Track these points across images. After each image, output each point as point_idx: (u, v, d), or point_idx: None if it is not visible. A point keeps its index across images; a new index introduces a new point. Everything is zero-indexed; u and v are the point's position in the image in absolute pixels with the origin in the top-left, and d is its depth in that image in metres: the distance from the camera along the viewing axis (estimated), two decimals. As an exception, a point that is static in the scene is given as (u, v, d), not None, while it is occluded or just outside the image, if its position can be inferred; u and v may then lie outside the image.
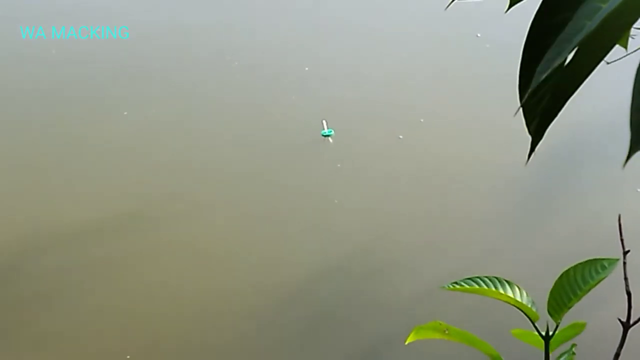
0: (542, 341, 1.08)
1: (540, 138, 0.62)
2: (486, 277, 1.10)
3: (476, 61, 3.19)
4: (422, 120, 2.99)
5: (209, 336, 2.23)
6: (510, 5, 0.87)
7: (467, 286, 1.08)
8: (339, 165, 2.80)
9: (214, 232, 2.59)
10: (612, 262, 0.97)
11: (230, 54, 3.86)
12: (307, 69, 3.52)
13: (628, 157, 0.52)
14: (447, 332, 1.12)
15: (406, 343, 1.10)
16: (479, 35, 3.43)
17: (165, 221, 2.69)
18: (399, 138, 2.78)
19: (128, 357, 2.18)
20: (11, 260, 2.48)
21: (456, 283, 1.07)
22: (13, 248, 2.49)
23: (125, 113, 3.54)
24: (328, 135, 2.65)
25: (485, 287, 1.11)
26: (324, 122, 2.69)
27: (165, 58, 4.11)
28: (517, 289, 1.07)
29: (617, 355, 1.09)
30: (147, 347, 2.28)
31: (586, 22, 0.52)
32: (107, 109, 3.68)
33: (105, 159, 3.29)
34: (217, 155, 3.03)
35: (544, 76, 0.57)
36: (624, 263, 0.95)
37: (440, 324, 1.08)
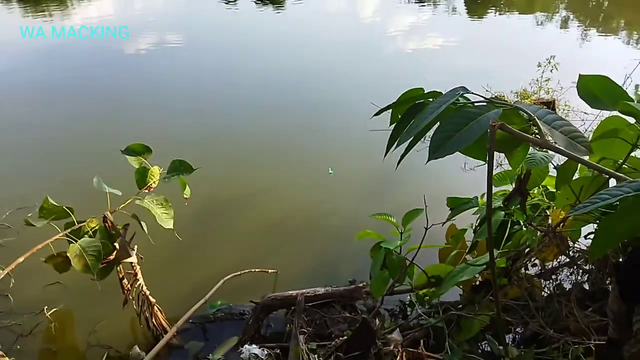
0: (399, 234, 3.02)
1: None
2: (383, 213, 3.01)
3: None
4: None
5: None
6: (391, 124, 2.54)
7: (377, 216, 3.00)
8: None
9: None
10: (421, 210, 2.89)
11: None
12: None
13: (427, 161, 1.53)
14: (368, 234, 3.04)
15: (356, 239, 3.00)
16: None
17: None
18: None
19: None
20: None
21: (375, 214, 2.98)
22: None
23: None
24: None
25: (383, 217, 3.02)
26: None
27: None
28: (392, 218, 2.99)
29: (418, 247, 3.02)
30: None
31: (415, 130, 2.24)
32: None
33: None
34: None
35: (407, 142, 2.30)
36: (426, 210, 2.82)
37: (366, 231, 3.01)
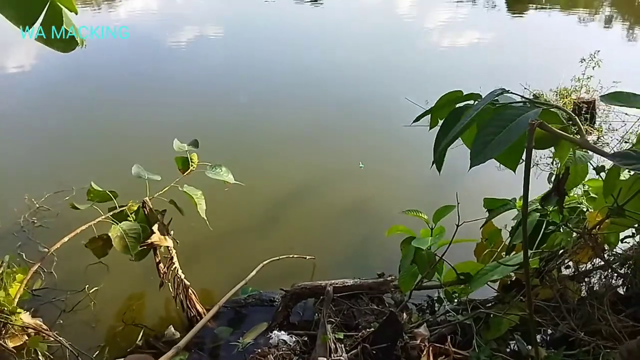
0: (429, 231, 3.03)
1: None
2: (414, 209, 3.03)
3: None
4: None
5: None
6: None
7: (410, 212, 3.02)
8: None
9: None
10: (453, 207, 2.89)
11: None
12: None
13: (470, 168, 1.47)
14: (397, 229, 3.06)
15: (387, 236, 3.05)
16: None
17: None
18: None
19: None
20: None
21: (407, 211, 3.00)
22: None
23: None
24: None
25: (415, 213, 3.04)
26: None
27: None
28: (423, 214, 3.00)
29: (449, 243, 3.00)
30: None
31: (454, 134, 2.23)
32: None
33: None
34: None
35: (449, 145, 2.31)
36: (457, 207, 2.83)
37: (397, 226, 3.04)
